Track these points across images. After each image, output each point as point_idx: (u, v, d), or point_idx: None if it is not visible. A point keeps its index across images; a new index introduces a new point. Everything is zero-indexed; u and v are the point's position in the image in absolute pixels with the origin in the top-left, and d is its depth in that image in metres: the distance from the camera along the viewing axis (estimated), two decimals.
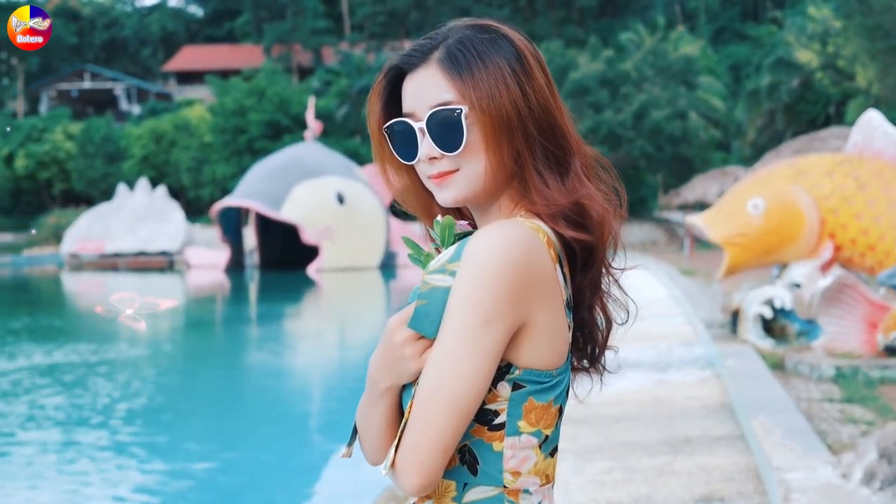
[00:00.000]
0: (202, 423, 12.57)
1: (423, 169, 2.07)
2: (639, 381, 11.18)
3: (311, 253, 38.05)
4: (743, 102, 46.96)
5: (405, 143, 2.07)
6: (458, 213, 2.21)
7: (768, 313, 12.51)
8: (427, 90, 2.03)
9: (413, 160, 2.07)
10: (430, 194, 2.15)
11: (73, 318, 26.79)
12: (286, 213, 37.24)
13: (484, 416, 1.95)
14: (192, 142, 58.91)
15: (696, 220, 13.66)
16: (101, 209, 48.24)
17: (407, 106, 2.06)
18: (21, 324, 23.66)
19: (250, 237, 41.59)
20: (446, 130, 2.00)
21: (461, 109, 1.99)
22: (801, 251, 12.38)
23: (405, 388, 2.00)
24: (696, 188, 36.00)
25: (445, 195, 2.05)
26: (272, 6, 73.87)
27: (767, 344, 12.34)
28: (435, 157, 2.03)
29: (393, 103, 2.13)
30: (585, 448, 8.24)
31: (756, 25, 62.37)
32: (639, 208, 48.06)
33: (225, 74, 66.69)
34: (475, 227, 2.14)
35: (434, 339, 1.92)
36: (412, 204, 2.22)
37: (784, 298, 12.40)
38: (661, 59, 46.82)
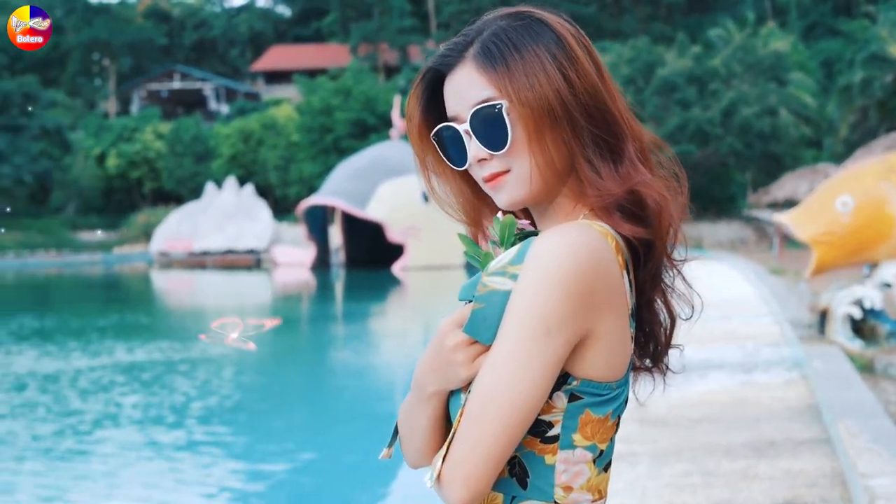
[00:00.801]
0: (282, 421, 12.61)
1: (477, 173, 1.97)
2: (722, 382, 10.97)
3: (398, 251, 38.23)
4: (835, 99, 46.08)
5: (455, 148, 1.97)
6: (514, 213, 2.09)
7: (857, 313, 12.24)
8: (467, 90, 1.93)
9: (464, 165, 1.97)
10: (480, 201, 2.06)
11: (160, 316, 27.14)
12: (371, 212, 37.48)
13: (537, 428, 1.85)
14: (280, 141, 59.56)
15: (783, 218, 13.45)
16: (190, 208, 49.04)
17: (450, 109, 1.96)
18: (109, 321, 24.03)
19: (336, 235, 41.89)
20: (490, 128, 1.90)
21: (501, 104, 1.88)
22: (892, 250, 12.10)
23: (452, 395, 1.91)
24: (785, 186, 35.47)
25: (500, 198, 1.95)
26: (359, 6, 74.27)
27: (856, 345, 12.07)
28: (484, 159, 1.93)
29: (434, 108, 2.03)
30: (663, 450, 8.09)
31: (849, 20, 61.22)
32: (727, 206, 47.55)
33: (312, 74, 67.23)
34: (535, 227, 2.03)
35: (489, 345, 1.81)
36: (462, 211, 2.11)
37: (874, 298, 12.12)
38: (751, 55, 46.22)
